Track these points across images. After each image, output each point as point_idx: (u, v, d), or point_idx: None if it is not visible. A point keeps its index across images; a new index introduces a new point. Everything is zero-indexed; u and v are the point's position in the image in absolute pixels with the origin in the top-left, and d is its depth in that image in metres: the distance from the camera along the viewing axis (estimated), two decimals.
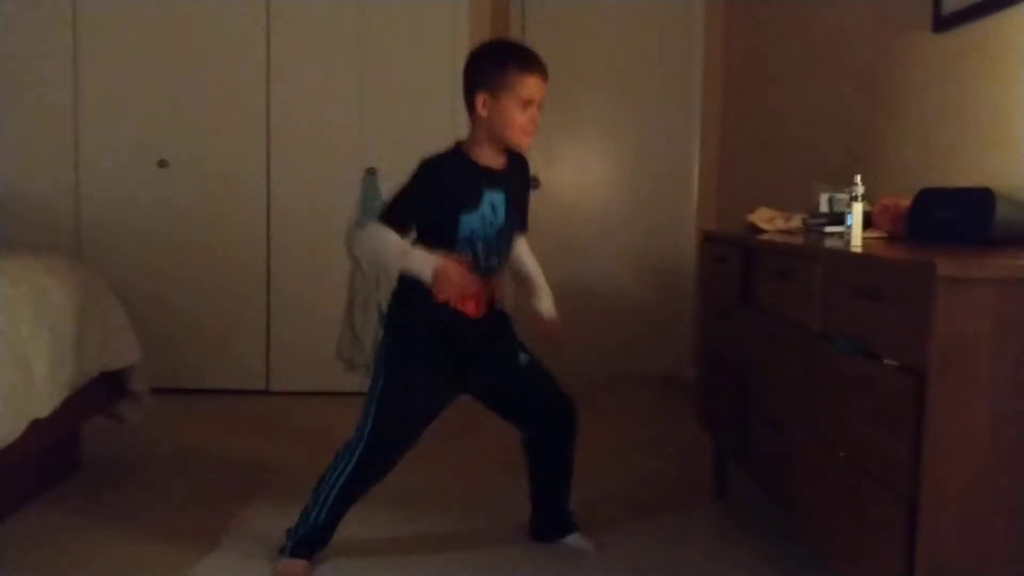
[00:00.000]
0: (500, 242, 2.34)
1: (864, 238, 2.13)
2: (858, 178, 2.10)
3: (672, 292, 4.75)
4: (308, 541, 2.29)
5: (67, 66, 4.05)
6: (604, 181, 4.74)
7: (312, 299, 4.17)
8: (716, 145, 4.64)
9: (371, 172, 4.11)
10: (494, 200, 2.29)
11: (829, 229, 2.53)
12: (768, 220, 2.81)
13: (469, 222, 2.25)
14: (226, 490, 2.84)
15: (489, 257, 2.32)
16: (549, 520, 2.51)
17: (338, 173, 4.12)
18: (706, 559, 2.39)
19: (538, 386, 2.46)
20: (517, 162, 2.36)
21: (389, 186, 4.08)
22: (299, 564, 2.27)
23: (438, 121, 4.08)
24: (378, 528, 2.54)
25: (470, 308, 2.31)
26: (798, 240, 2.40)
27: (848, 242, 2.08)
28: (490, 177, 2.28)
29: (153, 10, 4.04)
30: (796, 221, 2.77)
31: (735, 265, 2.55)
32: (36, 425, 2.41)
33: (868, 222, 2.33)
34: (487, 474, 3.05)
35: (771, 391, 2.30)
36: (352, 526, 2.38)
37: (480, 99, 2.22)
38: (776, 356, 2.24)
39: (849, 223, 2.11)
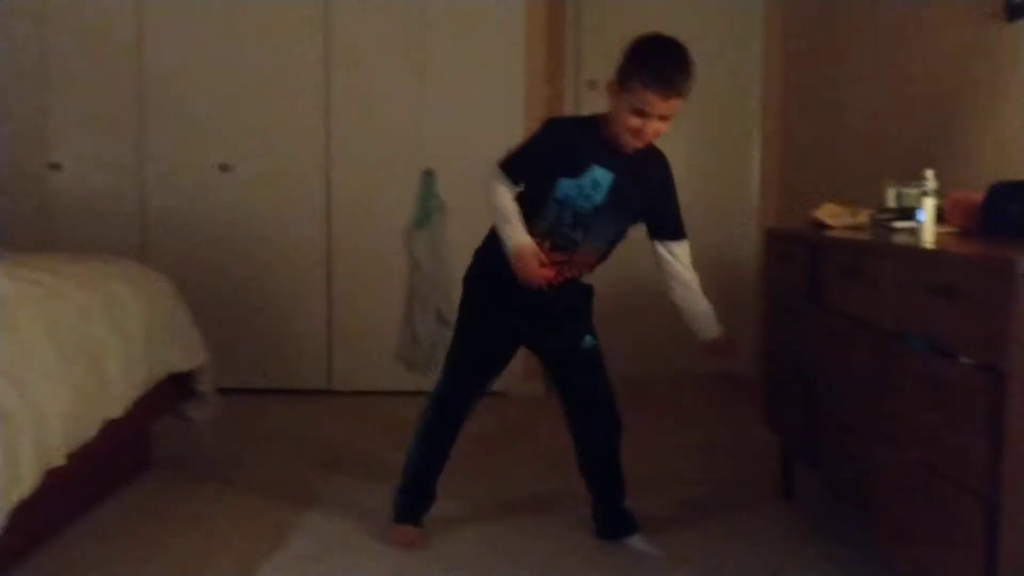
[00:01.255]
0: (594, 222, 2.32)
1: (936, 233, 2.08)
2: (930, 172, 2.07)
3: (731, 290, 4.68)
4: (408, 503, 2.45)
5: (132, 73, 4.14)
6: None
7: (372, 299, 4.21)
8: (777, 140, 4.57)
9: (429, 173, 4.14)
10: (599, 177, 2.27)
11: (898, 225, 2.47)
12: (834, 216, 2.76)
13: (566, 187, 2.27)
14: (292, 489, 2.87)
15: (576, 230, 2.32)
16: (609, 519, 2.51)
17: (397, 174, 4.15)
18: (773, 560, 2.36)
19: (590, 374, 2.50)
20: (650, 157, 2.33)
21: (446, 187, 4.14)
22: (408, 530, 2.43)
23: (495, 123, 4.10)
24: (436, 526, 2.56)
25: (542, 269, 2.32)
26: (866, 236, 2.35)
27: (920, 238, 2.04)
28: (606, 154, 2.26)
29: (214, 16, 4.12)
30: (863, 217, 2.71)
31: (801, 262, 2.51)
32: (109, 425, 2.46)
33: (939, 217, 2.28)
34: (549, 471, 3.04)
35: (841, 390, 2.25)
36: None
37: (611, 85, 2.23)
38: (845, 355, 2.20)
39: (921, 218, 2.07)
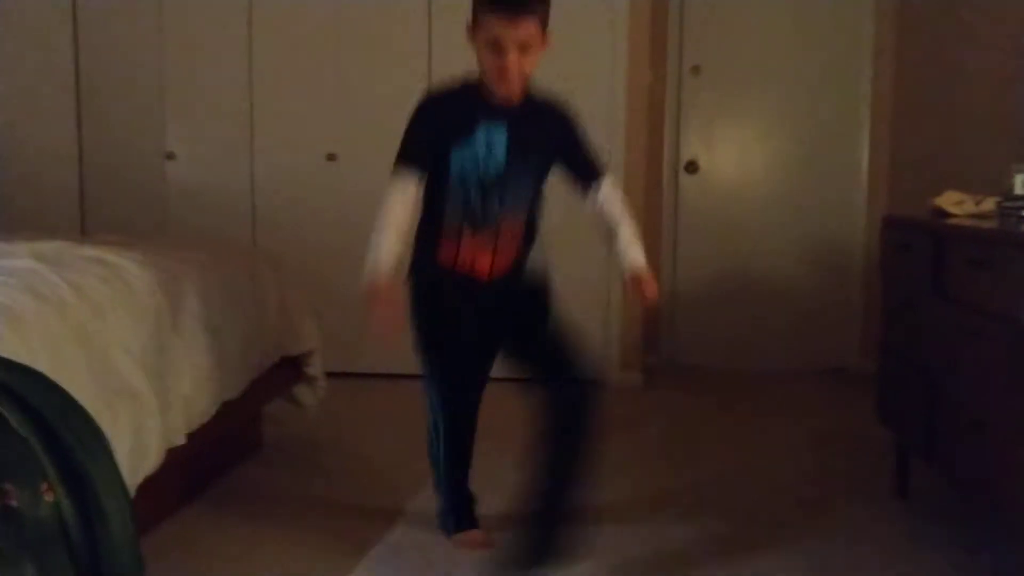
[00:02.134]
0: (504, 187, 2.10)
1: None
2: None
3: (840, 281, 4.55)
4: (453, 511, 2.38)
5: (243, 65, 4.25)
6: (766, 165, 4.58)
7: None
8: (887, 125, 4.40)
9: None
10: (493, 137, 2.08)
11: None
12: (957, 204, 2.64)
13: (460, 158, 2.08)
14: (399, 472, 2.91)
15: (487, 203, 2.10)
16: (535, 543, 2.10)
17: None
18: (889, 561, 2.28)
19: (560, 354, 2.17)
20: (547, 107, 2.16)
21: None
22: (473, 535, 2.35)
23: (597, 110, 4.04)
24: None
25: (480, 268, 2.16)
26: (992, 225, 2.25)
27: None
28: (490, 110, 2.07)
29: (322, 8, 4.19)
30: (988, 204, 2.59)
31: (923, 252, 2.41)
32: (226, 406, 2.54)
33: None
34: (659, 465, 3.01)
35: (968, 386, 2.16)
36: None
37: (468, 29, 2.07)
38: (974, 349, 2.11)
39: None
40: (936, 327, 2.34)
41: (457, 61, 4.08)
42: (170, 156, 4.32)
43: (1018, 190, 2.51)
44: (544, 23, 2.02)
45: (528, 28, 1.97)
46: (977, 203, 2.63)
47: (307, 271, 3.99)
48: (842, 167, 4.51)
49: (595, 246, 4.14)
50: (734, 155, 4.59)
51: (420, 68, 4.15)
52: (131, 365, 2.05)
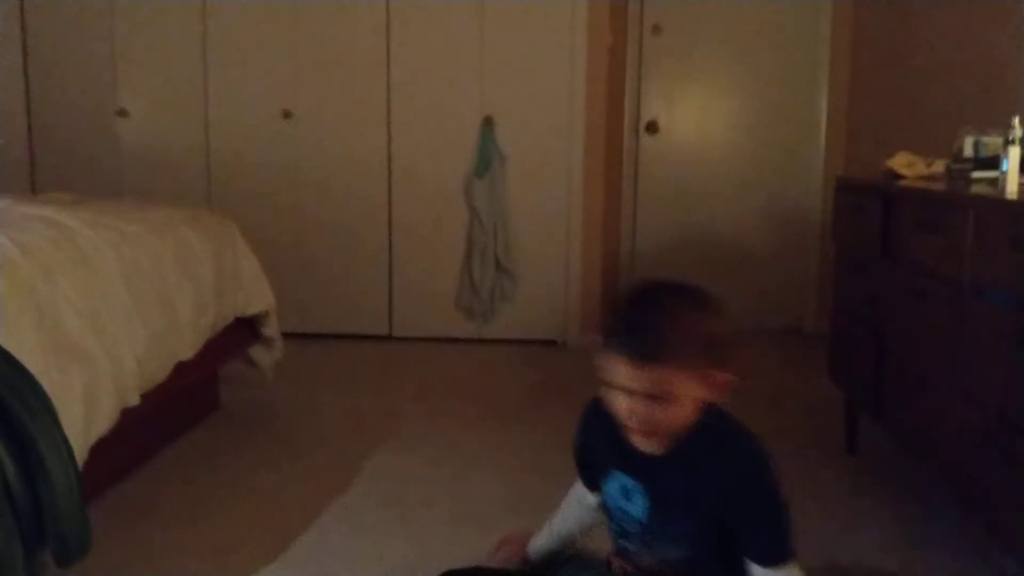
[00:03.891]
0: (646, 539, 1.59)
1: (1020, 183, 2.01)
2: (1016, 120, 1.99)
3: (797, 242, 4.60)
4: None
5: (196, 21, 4.16)
6: (726, 125, 4.60)
7: (432, 247, 4.22)
8: (845, 87, 4.43)
9: (489, 122, 4.11)
10: (627, 485, 1.59)
11: (976, 175, 2.40)
12: (908, 166, 2.68)
13: (607, 493, 1.64)
14: (357, 432, 2.93)
15: (639, 550, 1.60)
16: None
17: (457, 122, 4.13)
18: (839, 515, 2.35)
19: None
20: (706, 453, 1.52)
21: (506, 136, 4.11)
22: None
23: (557, 71, 4.06)
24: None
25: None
26: (941, 187, 2.29)
27: (1003, 189, 1.98)
28: (626, 456, 1.54)
29: None
30: (939, 166, 2.64)
31: (874, 214, 2.45)
32: (180, 367, 2.52)
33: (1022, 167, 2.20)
34: None
35: (913, 346, 2.21)
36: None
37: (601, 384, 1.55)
38: (919, 309, 2.15)
39: (1004, 168, 2.00)
40: (885, 288, 2.39)
41: (414, 16, 4.08)
42: (122, 113, 4.24)
43: (968, 152, 2.56)
44: (704, 363, 1.45)
45: (646, 378, 1.41)
46: (928, 165, 2.67)
47: (263, 229, 3.96)
48: (800, 128, 4.54)
49: (555, 212, 4.17)
50: (694, 116, 4.60)
51: (377, 26, 4.10)
52: (81, 326, 2.02)
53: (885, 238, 2.38)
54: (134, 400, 2.23)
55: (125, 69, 4.22)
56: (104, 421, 2.07)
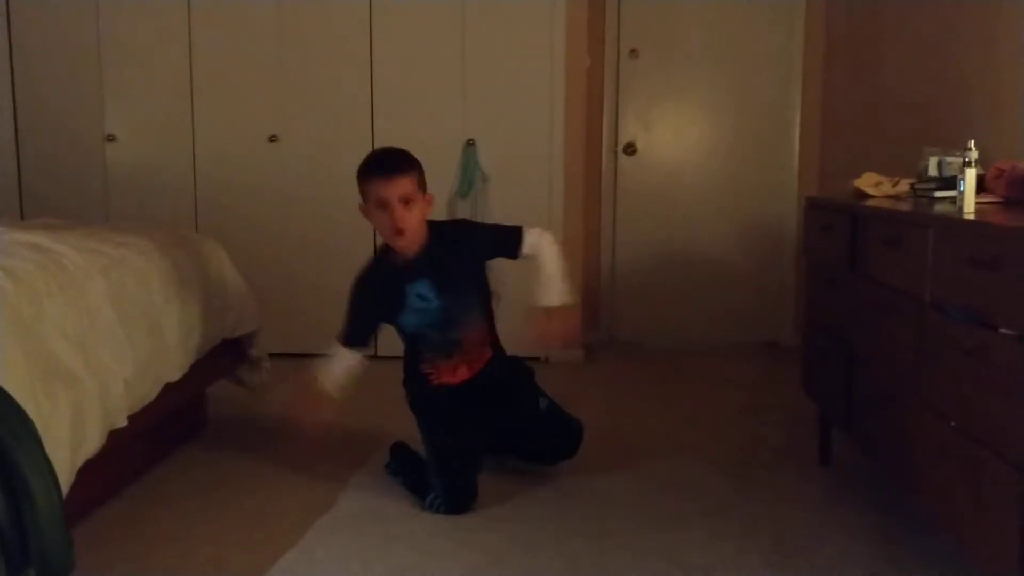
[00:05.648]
0: (449, 319, 2.51)
1: (977, 203, 2.09)
2: (972, 143, 2.07)
3: (773, 259, 4.69)
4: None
5: (183, 49, 4.23)
6: (702, 147, 4.69)
7: None
8: (817, 108, 4.54)
9: (471, 143, 4.18)
10: (420, 290, 2.48)
11: (939, 194, 2.48)
12: (874, 185, 2.76)
13: (407, 320, 2.52)
14: (343, 450, 2.96)
15: (446, 336, 2.53)
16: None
17: (440, 145, 4.20)
18: (812, 525, 2.41)
19: (552, 430, 2.69)
20: (440, 235, 2.50)
21: (488, 157, 4.18)
22: None
23: (537, 93, 4.14)
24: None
25: (459, 377, 2.59)
26: (906, 206, 2.36)
27: (961, 208, 2.05)
28: (407, 271, 2.48)
29: None
30: (904, 186, 2.72)
31: (841, 232, 2.53)
32: (168, 388, 2.57)
33: (981, 186, 2.28)
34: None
35: (879, 360, 2.28)
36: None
37: (360, 208, 2.48)
38: (885, 325, 2.23)
39: (962, 188, 2.07)
40: (854, 304, 2.46)
41: (396, 39, 4.16)
42: (110, 138, 4.29)
43: (932, 172, 2.64)
44: (420, 182, 2.46)
45: (406, 184, 2.41)
46: (894, 184, 2.75)
47: (249, 252, 4.01)
48: (774, 148, 4.64)
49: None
50: (671, 137, 4.69)
51: (361, 51, 4.18)
52: (68, 349, 2.07)
53: (853, 255, 2.46)
54: (122, 422, 2.27)
55: (113, 95, 4.28)
56: (92, 443, 2.11)
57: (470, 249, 2.55)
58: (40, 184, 4.35)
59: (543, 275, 2.51)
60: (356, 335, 2.54)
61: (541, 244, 2.54)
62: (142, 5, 4.22)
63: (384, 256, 2.54)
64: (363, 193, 2.46)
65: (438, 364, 2.59)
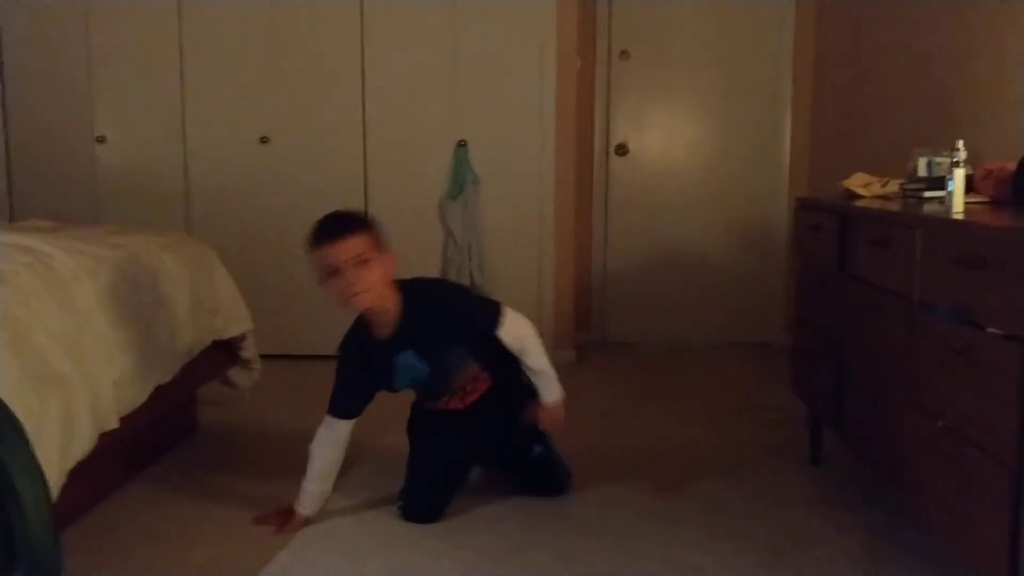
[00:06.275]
0: (439, 379, 2.47)
1: (966, 203, 2.10)
2: (960, 143, 2.08)
3: (764, 259, 4.70)
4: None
5: (174, 50, 4.22)
6: (694, 148, 4.70)
7: (408, 267, 4.22)
8: (808, 110, 4.56)
9: (462, 144, 4.19)
10: (406, 360, 2.40)
11: (928, 194, 2.49)
12: (864, 186, 2.77)
13: (399, 383, 2.45)
14: None
15: (437, 389, 2.51)
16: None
17: (431, 146, 4.21)
18: (803, 524, 2.41)
19: (536, 476, 2.61)
20: (414, 297, 2.37)
21: (479, 158, 4.19)
22: None
23: (528, 94, 4.14)
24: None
25: (447, 407, 2.55)
26: (896, 206, 2.37)
27: (949, 208, 2.06)
28: (388, 347, 2.37)
29: None
30: (893, 186, 2.73)
31: (831, 232, 2.54)
32: (159, 390, 2.56)
33: (970, 186, 2.29)
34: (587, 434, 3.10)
35: (868, 359, 2.29)
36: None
37: (320, 283, 2.30)
38: (874, 324, 2.23)
39: (950, 189, 2.08)
40: (842, 304, 2.47)
41: (388, 40, 4.16)
42: (100, 139, 4.28)
43: (921, 172, 2.65)
44: (376, 242, 2.29)
45: (356, 245, 2.23)
46: (883, 185, 2.76)
47: (240, 253, 4.00)
48: (765, 150, 4.66)
49: (528, 233, 4.24)
50: (662, 138, 4.70)
51: (352, 51, 4.18)
52: (58, 351, 2.06)
53: (842, 256, 2.47)
54: (113, 423, 2.26)
55: (103, 96, 4.27)
56: (82, 445, 2.11)
57: (446, 321, 2.41)
58: (30, 186, 4.34)
59: (538, 375, 2.46)
60: (350, 406, 2.46)
61: (524, 342, 2.42)
62: (133, 5, 4.21)
63: (363, 329, 2.41)
64: (315, 263, 2.27)
65: (428, 403, 2.61)
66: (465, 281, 4.18)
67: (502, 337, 2.39)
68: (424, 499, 2.45)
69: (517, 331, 2.41)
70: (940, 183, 2.43)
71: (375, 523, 2.43)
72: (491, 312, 2.41)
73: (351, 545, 2.29)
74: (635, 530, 2.38)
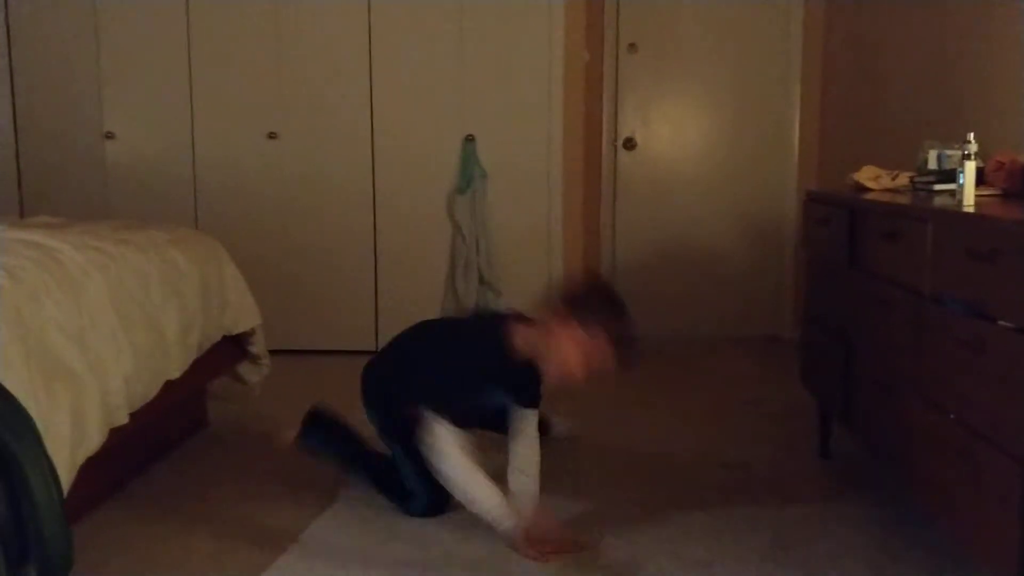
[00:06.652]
0: (485, 416, 2.64)
1: (977, 196, 2.09)
2: (971, 135, 2.07)
3: (773, 253, 4.69)
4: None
5: (182, 47, 4.22)
6: (701, 141, 4.69)
7: (416, 262, 4.29)
8: (816, 102, 4.54)
9: (470, 139, 4.18)
10: (497, 396, 2.47)
11: (938, 187, 2.48)
12: (874, 178, 2.76)
13: (469, 401, 2.48)
14: None
15: (469, 421, 2.47)
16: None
17: (439, 141, 4.21)
18: (813, 518, 2.41)
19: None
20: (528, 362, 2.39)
21: (487, 153, 4.19)
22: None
23: (535, 88, 4.14)
24: None
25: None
26: (905, 199, 2.36)
27: (960, 201, 2.05)
28: (508, 375, 2.42)
29: None
30: (903, 179, 2.72)
31: (840, 226, 2.53)
32: (168, 385, 2.57)
33: (981, 179, 2.28)
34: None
35: (878, 352, 2.28)
36: None
37: (561, 317, 2.31)
38: (884, 318, 2.23)
39: (961, 181, 2.07)
40: (852, 298, 2.46)
41: (395, 35, 4.15)
42: (109, 136, 4.29)
43: (932, 165, 2.64)
44: None
45: None
46: (893, 178, 2.75)
47: (249, 249, 4.01)
48: (774, 143, 4.64)
49: (536, 227, 4.24)
50: (670, 131, 4.69)
51: (360, 46, 4.18)
52: (68, 347, 2.07)
53: (852, 249, 2.46)
54: (122, 419, 2.27)
55: (111, 92, 4.28)
56: (92, 440, 2.11)
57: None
58: (39, 182, 4.35)
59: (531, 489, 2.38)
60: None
61: (529, 435, 2.43)
62: (141, 2, 4.21)
63: (509, 352, 2.37)
64: (596, 325, 2.28)
65: (456, 421, 2.44)
66: (473, 276, 4.19)
67: (526, 413, 2.43)
68: (428, 493, 2.45)
69: (533, 429, 2.44)
70: (951, 176, 2.42)
71: (382, 519, 2.43)
72: (532, 404, 2.45)
73: (358, 542, 2.30)
74: (641, 524, 2.38)
